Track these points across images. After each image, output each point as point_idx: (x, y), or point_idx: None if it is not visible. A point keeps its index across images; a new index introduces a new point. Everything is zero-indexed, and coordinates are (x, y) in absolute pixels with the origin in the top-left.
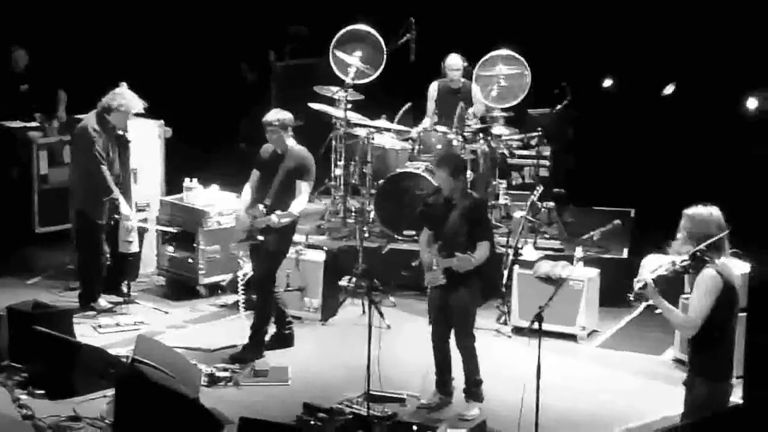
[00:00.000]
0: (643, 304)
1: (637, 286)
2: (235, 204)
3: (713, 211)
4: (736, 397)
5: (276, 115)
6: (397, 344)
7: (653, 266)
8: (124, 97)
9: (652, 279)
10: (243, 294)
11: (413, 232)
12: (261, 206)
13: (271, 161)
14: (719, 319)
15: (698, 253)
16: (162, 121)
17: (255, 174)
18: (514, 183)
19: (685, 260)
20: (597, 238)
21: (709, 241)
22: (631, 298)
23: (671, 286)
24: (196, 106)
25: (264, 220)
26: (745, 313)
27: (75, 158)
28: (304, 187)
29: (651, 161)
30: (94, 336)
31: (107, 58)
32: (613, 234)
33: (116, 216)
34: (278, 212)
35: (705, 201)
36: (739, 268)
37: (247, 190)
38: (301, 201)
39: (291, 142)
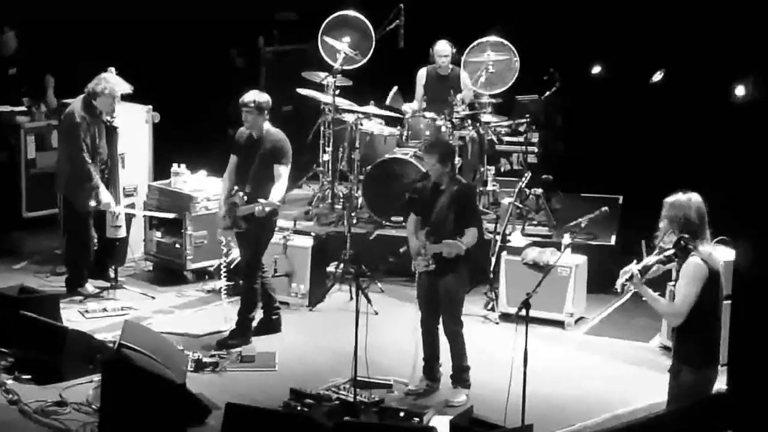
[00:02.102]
0: (630, 291)
1: (624, 277)
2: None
3: (692, 197)
4: (721, 383)
5: (253, 96)
6: (385, 330)
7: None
8: (109, 81)
9: (638, 270)
10: (226, 280)
11: (401, 218)
12: (241, 194)
13: (247, 146)
14: (705, 306)
15: (682, 242)
16: (150, 107)
17: (233, 159)
18: (502, 169)
19: (669, 249)
20: (585, 225)
21: (691, 228)
22: (618, 290)
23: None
24: (185, 92)
25: (246, 209)
26: (729, 301)
27: (60, 144)
28: (282, 171)
29: (639, 148)
30: (81, 321)
31: (96, 42)
32: (601, 221)
33: (95, 204)
34: (261, 200)
35: (693, 188)
36: (723, 255)
37: (227, 177)
38: (281, 186)
39: (267, 126)
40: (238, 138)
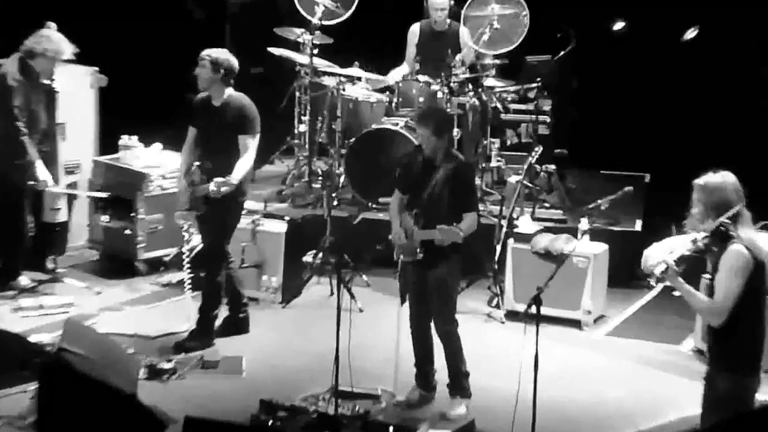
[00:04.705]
0: (660, 286)
1: (658, 270)
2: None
3: (726, 176)
4: (763, 394)
5: (219, 53)
6: (371, 331)
7: (672, 246)
8: (51, 41)
9: (674, 261)
10: (189, 272)
11: (389, 200)
12: (200, 170)
13: (207, 115)
14: (747, 302)
15: (721, 227)
16: (95, 68)
17: (192, 132)
18: (508, 142)
19: (706, 236)
20: (605, 208)
21: (732, 211)
22: (652, 284)
23: (691, 267)
24: (136, 51)
25: (203, 188)
26: None
27: None
28: (249, 143)
29: (669, 118)
30: (14, 320)
31: None
32: (624, 202)
33: (32, 183)
34: (217, 180)
35: (731, 165)
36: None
37: (185, 151)
38: (246, 161)
39: (228, 91)
40: (196, 106)
